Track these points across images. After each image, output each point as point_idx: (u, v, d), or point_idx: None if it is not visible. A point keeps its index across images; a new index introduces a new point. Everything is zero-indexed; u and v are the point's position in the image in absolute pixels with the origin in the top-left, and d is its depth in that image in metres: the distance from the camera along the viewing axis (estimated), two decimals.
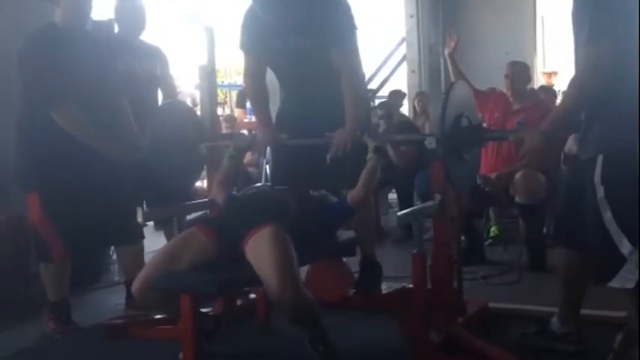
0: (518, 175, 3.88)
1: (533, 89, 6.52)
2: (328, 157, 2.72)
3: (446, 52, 4.44)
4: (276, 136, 2.90)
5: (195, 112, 3.60)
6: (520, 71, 4.23)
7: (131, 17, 3.61)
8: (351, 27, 2.82)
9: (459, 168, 2.65)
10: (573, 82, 2.30)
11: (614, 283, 2.22)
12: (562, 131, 2.67)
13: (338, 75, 2.74)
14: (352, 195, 2.65)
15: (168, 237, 3.64)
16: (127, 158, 3.05)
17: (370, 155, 2.69)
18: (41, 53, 2.97)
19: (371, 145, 2.71)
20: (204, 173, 3.41)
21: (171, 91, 3.83)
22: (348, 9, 2.80)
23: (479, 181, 4.04)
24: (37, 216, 3.06)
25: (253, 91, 3.00)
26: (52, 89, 2.94)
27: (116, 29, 3.72)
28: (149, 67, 3.62)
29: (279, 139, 2.91)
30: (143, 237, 3.39)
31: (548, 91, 6.22)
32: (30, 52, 3.01)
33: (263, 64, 2.93)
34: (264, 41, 2.81)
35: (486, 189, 4.02)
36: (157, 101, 3.80)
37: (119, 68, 3.29)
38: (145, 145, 3.06)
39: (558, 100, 5.69)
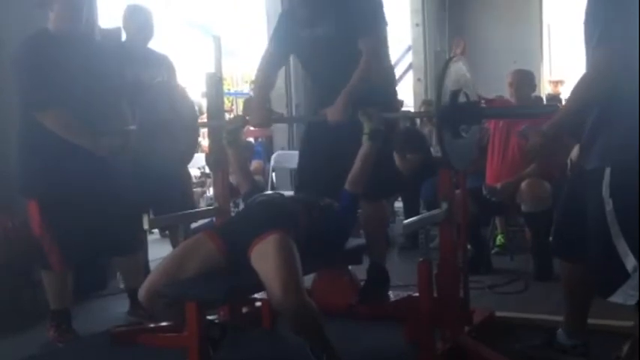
0: (524, 184, 3.87)
1: (538, 97, 6.50)
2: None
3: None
4: (267, 116, 3.06)
5: (186, 92, 3.62)
6: (524, 79, 4.20)
7: (139, 26, 3.63)
8: (381, 19, 2.87)
9: (457, 145, 2.56)
10: (580, 84, 2.23)
11: (616, 298, 2.19)
12: (565, 133, 2.61)
13: None
14: (349, 181, 2.64)
15: (174, 244, 3.64)
16: (118, 153, 3.06)
17: (365, 138, 2.65)
18: (29, 58, 3.00)
19: (367, 127, 2.66)
20: (209, 181, 3.41)
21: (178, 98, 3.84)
22: (380, 4, 2.88)
23: (484, 192, 4.03)
24: (36, 224, 3.07)
25: (260, 72, 3.08)
26: (38, 93, 2.95)
27: (124, 37, 3.74)
28: (156, 75, 3.63)
29: (270, 119, 3.12)
30: (141, 247, 3.39)
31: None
32: (19, 57, 3.05)
33: (281, 57, 3.10)
34: (292, 32, 2.94)
35: (492, 199, 4.00)
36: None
37: (120, 73, 3.31)
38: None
39: None
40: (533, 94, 4.56)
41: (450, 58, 2.57)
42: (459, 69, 2.58)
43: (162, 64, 3.73)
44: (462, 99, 2.53)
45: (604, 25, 2.12)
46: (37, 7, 3.09)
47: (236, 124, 2.99)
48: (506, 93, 4.52)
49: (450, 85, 2.50)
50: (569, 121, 2.35)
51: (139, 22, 3.64)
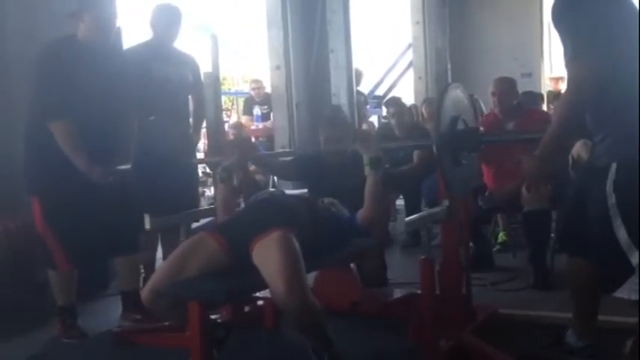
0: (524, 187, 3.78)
1: (539, 94, 6.48)
2: None
3: None
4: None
5: (182, 125, 3.61)
6: (507, 87, 4.16)
7: (166, 26, 3.61)
8: None
9: (457, 171, 2.57)
10: (563, 100, 2.29)
11: (620, 293, 2.18)
12: (558, 151, 2.60)
13: None
14: (362, 215, 2.64)
15: (165, 247, 3.63)
16: (105, 183, 3.05)
17: (368, 170, 2.64)
18: (50, 64, 3.01)
19: (366, 157, 2.65)
20: (210, 180, 3.40)
21: (201, 99, 3.80)
22: None
23: (479, 201, 3.95)
24: (39, 222, 3.09)
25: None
26: (53, 101, 2.97)
27: (151, 35, 3.71)
28: (181, 73, 3.63)
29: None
30: (140, 249, 3.40)
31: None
32: (40, 61, 3.05)
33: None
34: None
35: (484, 207, 3.95)
36: (187, 106, 3.81)
37: (147, 74, 3.31)
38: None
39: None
40: (536, 92, 4.53)
41: (448, 85, 2.56)
42: (456, 96, 2.58)
43: (188, 63, 3.72)
44: (460, 126, 2.53)
45: (575, 39, 2.16)
46: (68, 17, 3.10)
47: (233, 161, 2.95)
48: None
49: (449, 108, 2.49)
50: (559, 138, 2.34)
51: (167, 20, 3.61)
